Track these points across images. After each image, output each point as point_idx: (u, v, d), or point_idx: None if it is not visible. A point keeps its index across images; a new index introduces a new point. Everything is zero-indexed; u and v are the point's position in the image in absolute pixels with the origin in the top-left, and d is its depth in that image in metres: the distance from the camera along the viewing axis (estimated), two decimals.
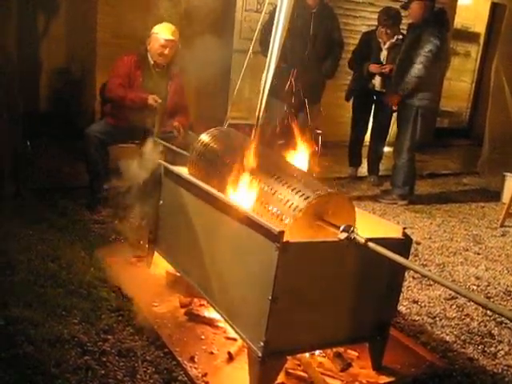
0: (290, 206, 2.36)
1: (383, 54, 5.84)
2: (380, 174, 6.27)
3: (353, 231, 2.17)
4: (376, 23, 5.96)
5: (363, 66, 5.85)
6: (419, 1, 5.21)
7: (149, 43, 4.28)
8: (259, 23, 3.56)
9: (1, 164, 4.11)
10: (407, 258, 2.36)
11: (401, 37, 5.77)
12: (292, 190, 2.40)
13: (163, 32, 4.22)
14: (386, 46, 5.81)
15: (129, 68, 4.27)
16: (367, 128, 6.21)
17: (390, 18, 5.73)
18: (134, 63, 4.28)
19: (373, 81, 5.88)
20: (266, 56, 2.83)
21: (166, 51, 4.27)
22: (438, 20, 5.29)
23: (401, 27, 5.86)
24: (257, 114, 2.91)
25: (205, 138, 3.02)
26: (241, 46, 6.53)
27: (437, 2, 5.44)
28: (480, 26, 9.16)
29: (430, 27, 5.19)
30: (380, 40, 5.85)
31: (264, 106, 2.86)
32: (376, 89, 5.90)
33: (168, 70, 4.39)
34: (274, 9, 2.89)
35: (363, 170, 6.41)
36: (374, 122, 6.16)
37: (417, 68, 5.20)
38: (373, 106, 6.06)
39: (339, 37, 5.47)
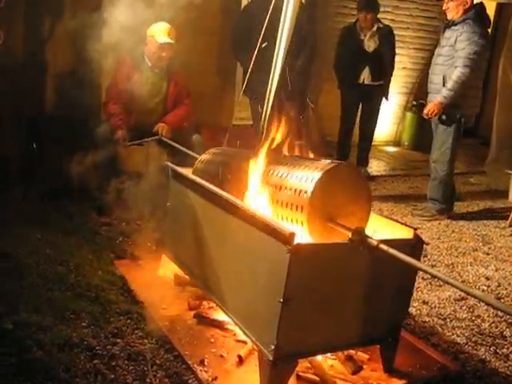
0: (306, 180, 2.35)
1: (366, 45, 5.80)
2: (381, 174, 6.26)
3: (364, 233, 2.15)
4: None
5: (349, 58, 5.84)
6: None
7: (145, 45, 4.24)
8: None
9: (8, 167, 4.11)
10: (419, 260, 2.34)
11: (381, 25, 5.80)
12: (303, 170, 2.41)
13: (159, 35, 4.16)
14: (368, 36, 5.77)
15: (126, 74, 4.23)
16: (355, 120, 6.19)
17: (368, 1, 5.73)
18: (131, 68, 4.25)
19: (361, 75, 5.88)
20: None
21: (164, 54, 4.24)
22: (479, 16, 4.65)
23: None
24: (263, 115, 2.91)
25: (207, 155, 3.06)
26: None
27: None
28: None
29: (469, 25, 4.57)
30: (360, 31, 5.80)
31: (270, 107, 2.86)
32: (366, 82, 5.90)
33: (167, 71, 4.37)
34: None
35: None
36: (362, 112, 6.14)
37: (461, 72, 4.57)
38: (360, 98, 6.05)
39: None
